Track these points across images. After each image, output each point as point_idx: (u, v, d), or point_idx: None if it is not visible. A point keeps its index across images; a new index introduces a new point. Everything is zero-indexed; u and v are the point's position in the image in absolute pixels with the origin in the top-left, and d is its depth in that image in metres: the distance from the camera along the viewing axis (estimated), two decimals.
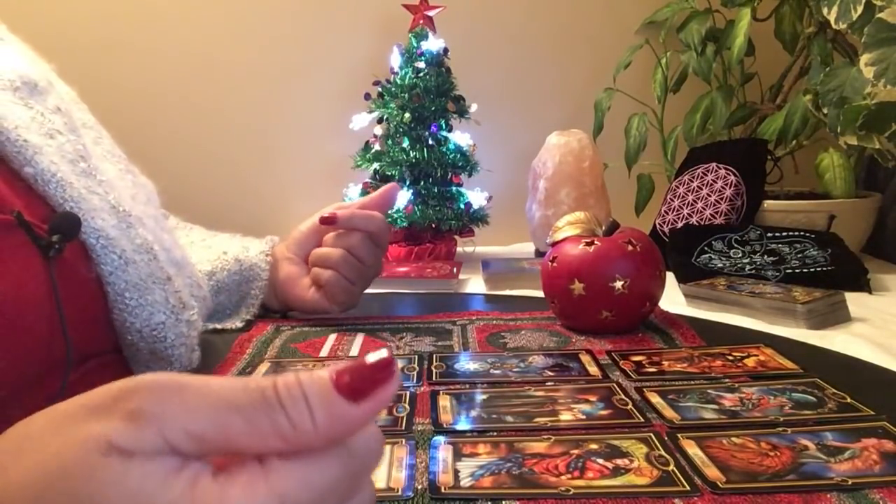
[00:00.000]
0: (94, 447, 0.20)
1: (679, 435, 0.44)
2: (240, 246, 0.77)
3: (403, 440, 0.44)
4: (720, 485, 0.38)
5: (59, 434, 0.21)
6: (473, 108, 1.27)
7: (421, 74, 1.22)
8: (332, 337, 0.69)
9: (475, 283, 1.04)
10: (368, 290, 0.76)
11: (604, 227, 0.71)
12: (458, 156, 1.23)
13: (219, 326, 0.74)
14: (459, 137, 1.25)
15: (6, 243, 0.43)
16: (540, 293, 0.75)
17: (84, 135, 0.57)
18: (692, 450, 0.42)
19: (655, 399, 0.50)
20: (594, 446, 0.43)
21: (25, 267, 0.43)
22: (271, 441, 0.21)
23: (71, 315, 0.46)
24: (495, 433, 0.46)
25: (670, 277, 0.85)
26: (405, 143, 1.21)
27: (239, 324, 0.75)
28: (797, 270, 0.93)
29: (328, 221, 0.71)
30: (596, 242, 0.67)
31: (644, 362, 0.59)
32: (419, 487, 0.39)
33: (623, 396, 0.51)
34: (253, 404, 0.21)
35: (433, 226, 1.20)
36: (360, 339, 0.69)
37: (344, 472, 0.23)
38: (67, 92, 0.60)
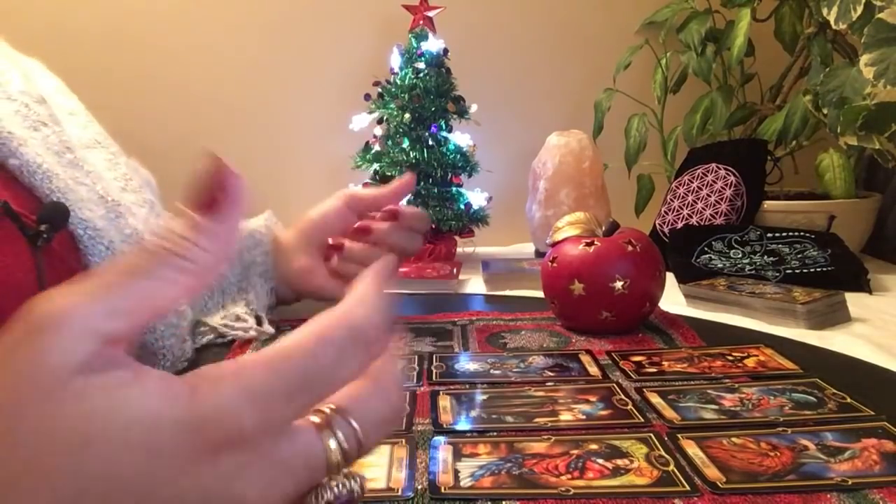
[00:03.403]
0: (52, 374, 0.20)
1: (679, 435, 0.44)
2: None
3: (403, 440, 0.44)
4: (720, 485, 0.38)
5: (26, 379, 0.20)
6: (473, 108, 1.27)
7: (421, 75, 1.22)
8: None
9: (475, 284, 1.04)
10: None
11: (604, 228, 0.71)
12: (458, 156, 1.23)
13: (243, 319, 0.70)
14: (459, 138, 1.25)
15: None
16: (540, 293, 0.75)
17: (70, 122, 0.57)
18: (692, 450, 0.42)
19: (655, 399, 0.50)
20: (594, 446, 0.43)
21: (12, 257, 0.43)
22: (181, 282, 0.23)
23: None
24: (495, 433, 0.45)
25: (670, 277, 0.85)
26: (405, 144, 1.21)
27: (263, 302, 0.73)
28: (797, 271, 0.93)
29: (364, 231, 0.68)
30: (596, 243, 0.67)
31: (644, 362, 0.59)
32: (419, 487, 0.39)
33: (623, 397, 0.51)
34: (148, 261, 0.23)
35: (433, 226, 1.20)
36: None
37: (318, 358, 0.23)
38: (51, 84, 0.60)
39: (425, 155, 1.19)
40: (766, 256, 0.97)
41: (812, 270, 0.93)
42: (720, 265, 0.98)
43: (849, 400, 0.49)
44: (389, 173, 1.22)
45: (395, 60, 1.26)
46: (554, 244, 0.71)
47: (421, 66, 1.22)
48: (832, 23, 0.95)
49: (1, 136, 0.47)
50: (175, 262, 0.23)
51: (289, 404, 0.22)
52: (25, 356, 0.20)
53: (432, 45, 1.24)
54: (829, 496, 0.37)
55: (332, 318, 0.25)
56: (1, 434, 0.20)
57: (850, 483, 0.38)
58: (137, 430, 0.20)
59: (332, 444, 0.23)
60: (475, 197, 1.25)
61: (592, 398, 0.51)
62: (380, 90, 1.26)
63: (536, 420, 0.47)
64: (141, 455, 0.20)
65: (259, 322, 0.70)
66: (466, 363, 0.60)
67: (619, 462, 0.41)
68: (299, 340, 0.23)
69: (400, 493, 0.38)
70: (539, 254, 1.24)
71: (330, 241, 0.69)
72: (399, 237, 0.69)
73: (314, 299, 0.75)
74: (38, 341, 0.20)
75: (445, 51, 1.25)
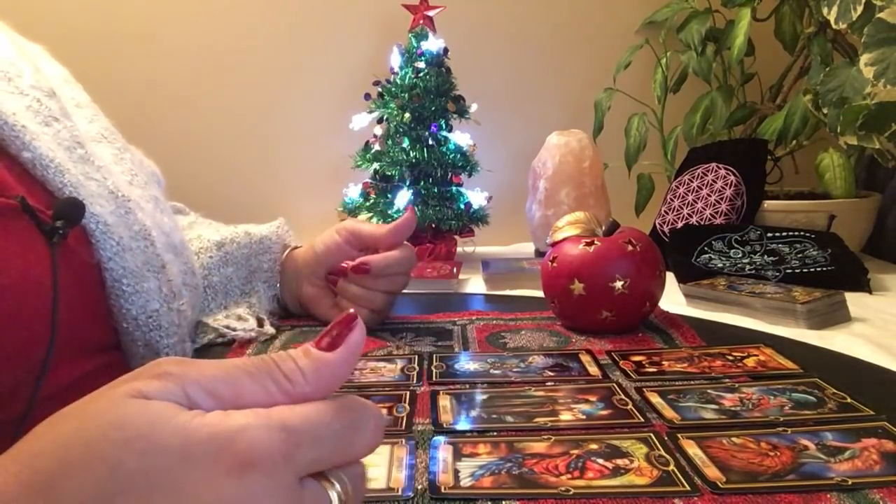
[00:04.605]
0: (125, 394, 0.24)
1: (679, 435, 0.44)
2: (251, 225, 0.77)
3: (403, 440, 0.44)
4: (720, 485, 0.38)
5: (96, 399, 0.25)
6: (473, 108, 1.27)
7: (421, 74, 1.22)
8: None
9: (475, 283, 1.04)
10: None
11: (604, 227, 0.71)
12: (458, 156, 1.23)
13: (244, 319, 0.70)
14: (459, 137, 1.25)
15: (10, 228, 0.43)
16: (540, 293, 0.74)
17: (78, 115, 0.57)
18: (692, 450, 0.42)
19: (655, 399, 0.50)
20: (594, 446, 0.43)
21: (29, 252, 0.43)
22: (274, 395, 0.26)
23: (73, 301, 0.45)
24: (495, 433, 0.45)
25: (670, 277, 0.85)
26: (405, 143, 1.21)
27: (265, 307, 0.74)
28: (797, 270, 0.93)
29: (362, 271, 0.69)
30: (596, 242, 0.67)
31: (644, 362, 0.59)
32: (419, 487, 0.39)
33: (623, 396, 0.51)
34: (256, 367, 0.26)
35: (433, 226, 1.20)
36: None
37: (338, 417, 0.26)
38: (57, 73, 0.60)
39: (425, 154, 1.19)
40: (766, 256, 0.97)
41: (812, 270, 0.93)
42: (720, 265, 0.98)
43: (849, 400, 0.49)
44: (389, 173, 1.22)
45: (395, 60, 1.26)
46: (554, 244, 0.71)
47: (421, 65, 1.22)
48: (832, 22, 0.95)
49: (15, 129, 0.47)
50: (278, 378, 0.26)
51: (315, 447, 0.25)
52: (131, 385, 0.25)
53: (432, 44, 1.24)
54: (829, 496, 0.37)
55: (357, 397, 0.28)
56: (83, 420, 0.24)
57: (850, 483, 0.38)
58: (177, 437, 0.23)
59: (334, 495, 0.26)
60: (475, 196, 1.25)
61: (592, 398, 0.51)
62: (380, 90, 1.26)
63: (536, 420, 0.47)
64: (175, 458, 0.23)
65: (260, 323, 0.70)
66: (466, 363, 0.60)
67: (619, 462, 0.41)
68: (328, 402, 0.26)
69: (400, 493, 0.38)
70: (539, 253, 1.24)
71: (358, 262, 0.70)
72: (386, 282, 0.72)
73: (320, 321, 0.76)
74: (145, 382, 0.25)
75: (445, 50, 1.25)
